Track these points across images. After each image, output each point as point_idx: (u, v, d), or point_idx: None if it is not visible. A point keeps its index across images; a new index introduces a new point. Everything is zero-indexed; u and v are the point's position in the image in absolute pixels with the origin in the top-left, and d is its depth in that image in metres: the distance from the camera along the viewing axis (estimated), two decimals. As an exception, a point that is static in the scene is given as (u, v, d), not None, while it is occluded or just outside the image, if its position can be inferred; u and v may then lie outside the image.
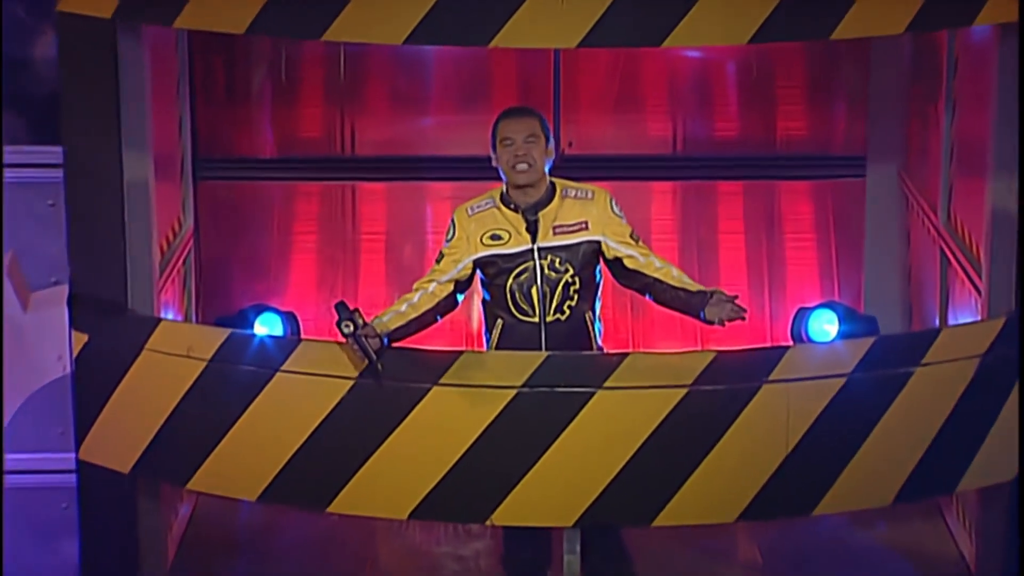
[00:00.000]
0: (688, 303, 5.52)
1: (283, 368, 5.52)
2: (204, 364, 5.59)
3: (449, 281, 5.64)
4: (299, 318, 7.54)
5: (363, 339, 5.33)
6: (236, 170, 7.62)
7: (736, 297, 5.41)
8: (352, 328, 5.33)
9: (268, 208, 7.70)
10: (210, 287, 7.53)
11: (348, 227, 7.73)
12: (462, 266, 5.63)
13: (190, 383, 5.61)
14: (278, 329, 7.40)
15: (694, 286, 5.54)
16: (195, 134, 7.32)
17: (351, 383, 5.47)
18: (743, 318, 5.38)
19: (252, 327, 7.31)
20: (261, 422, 5.55)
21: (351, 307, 5.36)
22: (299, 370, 5.51)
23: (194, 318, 7.14)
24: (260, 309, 7.47)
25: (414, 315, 5.57)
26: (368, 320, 5.42)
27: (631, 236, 5.64)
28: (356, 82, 7.64)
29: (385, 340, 5.44)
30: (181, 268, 6.82)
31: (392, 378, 5.44)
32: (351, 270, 7.72)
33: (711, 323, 5.42)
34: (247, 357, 5.57)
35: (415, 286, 5.64)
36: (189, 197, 7.10)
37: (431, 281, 5.64)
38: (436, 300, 5.61)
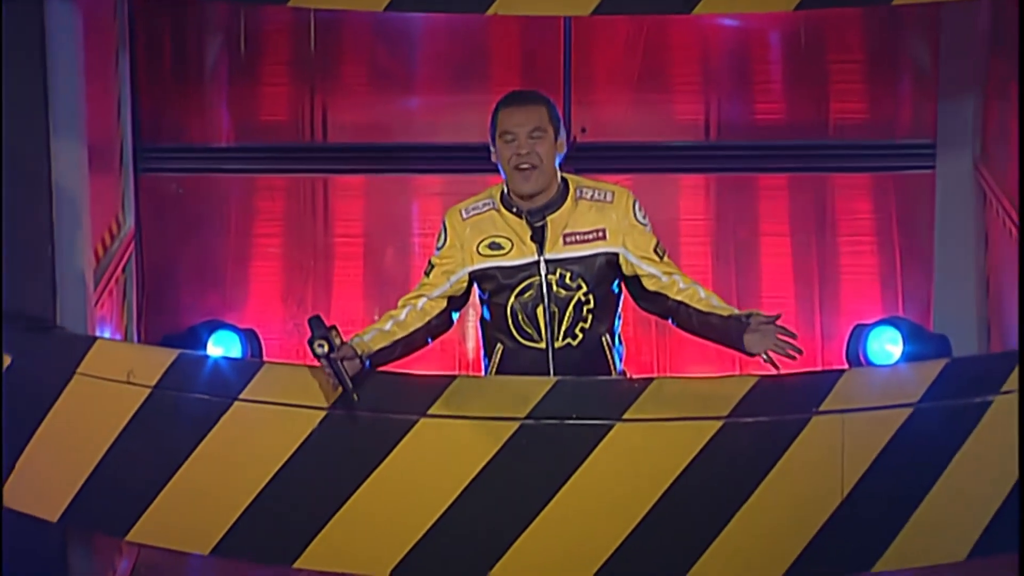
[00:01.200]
0: (723, 332, 5.45)
1: (241, 396, 5.53)
2: (147, 392, 5.60)
3: (441, 297, 5.60)
4: (260, 337, 7.56)
5: (339, 363, 5.31)
6: (185, 160, 7.64)
7: (778, 317, 5.37)
8: (327, 349, 5.30)
9: (224, 206, 7.72)
10: (155, 300, 7.54)
11: (319, 228, 7.75)
12: (456, 279, 5.60)
13: (131, 414, 5.62)
14: (236, 350, 7.42)
15: (726, 310, 5.46)
16: (137, 118, 7.34)
17: (323, 414, 5.47)
18: (797, 351, 5.33)
19: (205, 347, 7.34)
20: (215, 461, 5.56)
21: (327, 323, 5.33)
22: (261, 399, 5.52)
23: (135, 337, 7.15)
24: (214, 326, 7.49)
25: (401, 334, 5.54)
26: (346, 340, 5.40)
27: (655, 250, 5.57)
28: (328, 57, 7.66)
29: (366, 363, 5.42)
30: (120, 277, 6.84)
31: (372, 408, 5.45)
32: (322, 279, 7.74)
33: (753, 355, 5.37)
34: (199, 383, 5.58)
35: (401, 302, 5.61)
36: (130, 193, 7.12)
37: (420, 296, 5.60)
38: (427, 318, 5.58)
